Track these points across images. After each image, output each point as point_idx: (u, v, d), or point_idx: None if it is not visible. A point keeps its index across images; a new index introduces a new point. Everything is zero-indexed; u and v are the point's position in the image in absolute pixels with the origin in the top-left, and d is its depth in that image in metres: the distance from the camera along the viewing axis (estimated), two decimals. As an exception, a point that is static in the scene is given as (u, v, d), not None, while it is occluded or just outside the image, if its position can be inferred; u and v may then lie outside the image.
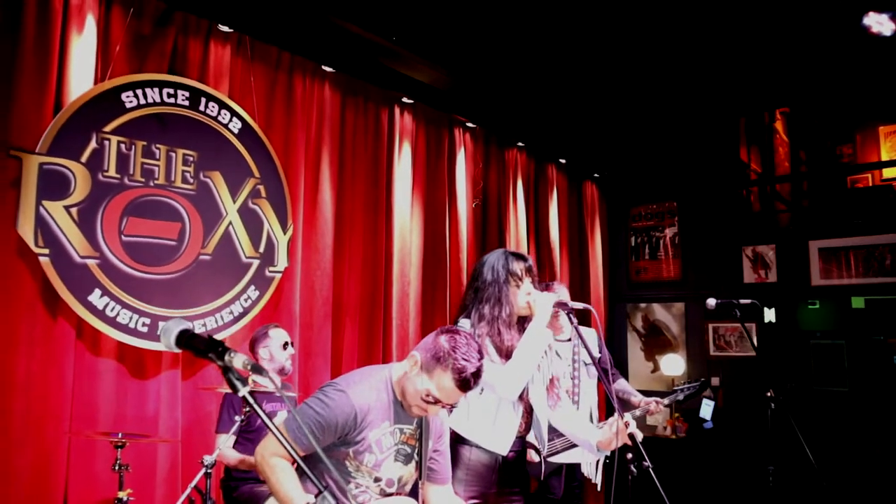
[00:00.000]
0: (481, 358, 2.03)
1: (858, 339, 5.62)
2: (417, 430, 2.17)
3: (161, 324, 1.26)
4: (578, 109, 5.74)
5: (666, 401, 3.91)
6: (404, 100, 4.76)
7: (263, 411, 1.19)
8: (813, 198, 6.58)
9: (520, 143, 5.85)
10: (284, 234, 3.88)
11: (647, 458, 2.13)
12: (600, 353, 4.18)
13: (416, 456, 2.18)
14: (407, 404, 2.09)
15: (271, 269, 3.82)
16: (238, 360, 1.15)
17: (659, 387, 6.37)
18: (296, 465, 2.06)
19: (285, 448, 1.25)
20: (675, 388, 4.22)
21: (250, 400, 1.16)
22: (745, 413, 5.71)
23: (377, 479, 2.08)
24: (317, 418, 1.97)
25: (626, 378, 6.57)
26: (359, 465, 2.05)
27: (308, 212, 4.14)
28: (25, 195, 2.93)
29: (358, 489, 2.07)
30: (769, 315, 5.93)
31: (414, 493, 2.22)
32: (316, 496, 1.22)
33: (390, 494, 2.13)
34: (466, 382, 2.00)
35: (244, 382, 1.16)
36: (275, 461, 1.96)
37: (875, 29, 4.40)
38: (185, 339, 1.20)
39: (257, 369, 1.16)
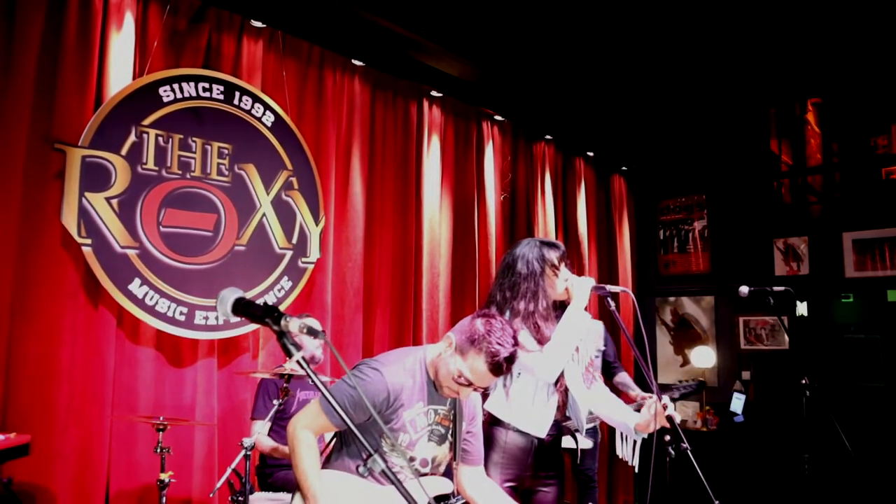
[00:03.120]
0: (516, 343, 2.05)
1: (895, 333, 5.50)
2: (451, 411, 2.19)
3: (219, 294, 1.29)
4: (606, 102, 5.71)
5: (664, 398, 3.92)
6: (433, 93, 4.79)
7: (318, 378, 1.23)
8: (846, 189, 6.46)
9: (548, 137, 5.85)
10: (317, 225, 3.93)
11: (685, 440, 2.12)
12: (605, 346, 4.18)
13: (449, 437, 2.19)
14: (439, 384, 2.11)
15: (304, 259, 3.88)
16: (294, 325, 1.19)
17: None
18: (323, 443, 2.09)
19: (339, 415, 1.27)
20: (673, 385, 4.26)
21: (304, 364, 1.20)
22: (776, 406, 5.64)
23: (411, 459, 2.10)
24: (350, 393, 1.98)
25: (655, 372, 6.55)
26: (393, 445, 2.08)
27: (339, 204, 4.19)
28: (69, 187, 3.02)
29: (367, 473, 2.08)
30: (801, 308, 5.84)
31: (448, 473, 2.24)
32: (366, 459, 1.25)
33: (425, 474, 2.15)
34: (499, 367, 2.01)
35: (298, 348, 1.20)
36: (303, 435, 1.99)
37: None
38: (242, 306, 1.24)
39: (313, 332, 1.19)
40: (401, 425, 2.07)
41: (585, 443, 3.38)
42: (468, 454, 2.28)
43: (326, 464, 2.12)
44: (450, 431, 2.19)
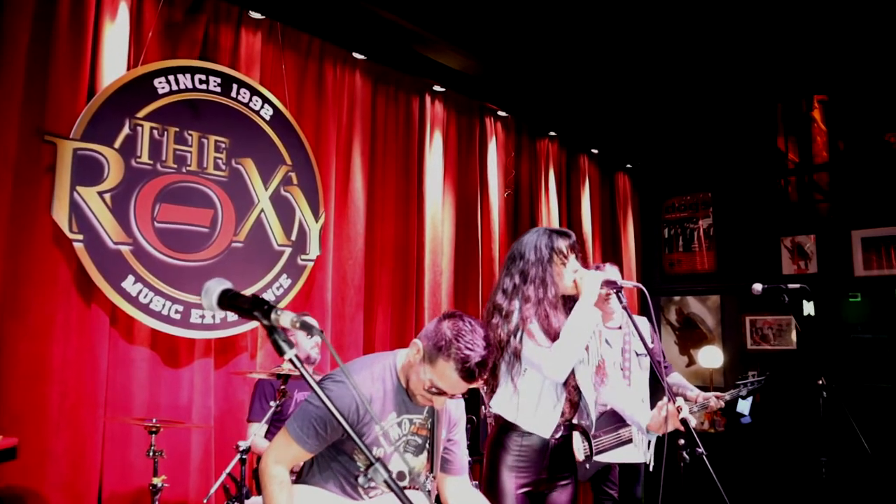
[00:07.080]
0: (487, 345, 1.88)
1: (904, 333, 5.41)
2: (428, 419, 2.04)
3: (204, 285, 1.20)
4: (611, 99, 5.62)
5: (727, 395, 3.62)
6: (435, 88, 4.70)
7: (312, 377, 1.14)
8: (855, 187, 6.38)
9: (552, 133, 5.76)
10: (316, 222, 3.84)
11: (700, 444, 2.02)
12: (652, 343, 3.87)
13: (427, 447, 2.04)
14: (412, 393, 1.97)
15: (303, 257, 3.78)
16: (285, 319, 1.10)
17: (694, 381, 6.19)
18: (294, 475, 1.98)
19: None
20: (738, 382, 3.94)
21: (297, 363, 1.11)
22: (784, 407, 5.54)
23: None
24: (318, 413, 1.85)
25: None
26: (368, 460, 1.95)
27: (339, 200, 4.10)
28: (60, 181, 2.93)
29: (368, 484, 1.95)
30: (808, 308, 5.74)
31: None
32: (367, 468, 1.16)
33: (403, 488, 2.03)
34: (471, 373, 1.84)
35: (291, 345, 1.11)
36: (276, 471, 1.86)
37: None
38: (228, 298, 1.15)
39: (307, 326, 1.10)
40: (373, 439, 1.92)
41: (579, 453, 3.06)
42: (450, 464, 2.14)
43: (298, 480, 2.01)
44: (427, 441, 2.04)
